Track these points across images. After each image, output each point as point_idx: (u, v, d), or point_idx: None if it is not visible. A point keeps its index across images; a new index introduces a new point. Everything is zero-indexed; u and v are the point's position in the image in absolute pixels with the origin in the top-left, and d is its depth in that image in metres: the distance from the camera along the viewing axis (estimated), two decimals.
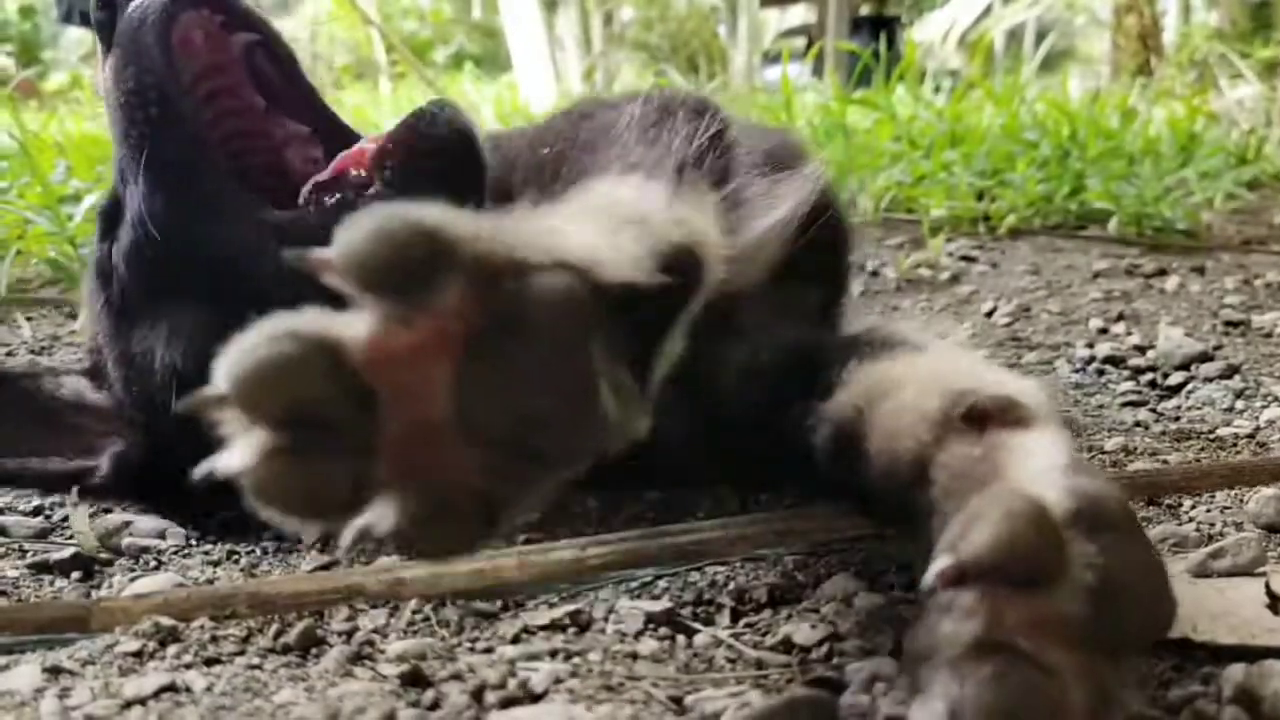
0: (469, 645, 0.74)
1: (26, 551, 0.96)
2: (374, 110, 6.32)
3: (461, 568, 0.81)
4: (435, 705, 0.64)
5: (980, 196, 3.02)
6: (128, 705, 0.65)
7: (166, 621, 0.75)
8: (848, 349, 0.85)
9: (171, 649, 0.73)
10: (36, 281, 2.12)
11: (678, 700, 0.65)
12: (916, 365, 0.77)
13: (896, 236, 2.66)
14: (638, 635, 0.75)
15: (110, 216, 1.00)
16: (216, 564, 0.92)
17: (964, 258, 2.45)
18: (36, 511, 1.08)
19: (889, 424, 0.71)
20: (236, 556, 0.93)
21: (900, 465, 0.67)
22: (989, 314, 1.97)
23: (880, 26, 8.91)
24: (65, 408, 1.10)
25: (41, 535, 1.01)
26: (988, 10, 6.75)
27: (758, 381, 0.93)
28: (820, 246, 0.96)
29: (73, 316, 1.97)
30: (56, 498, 1.10)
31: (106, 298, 0.99)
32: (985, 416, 0.64)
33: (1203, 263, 2.39)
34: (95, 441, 1.06)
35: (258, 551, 0.94)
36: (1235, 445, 1.17)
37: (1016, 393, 0.65)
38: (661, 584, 0.82)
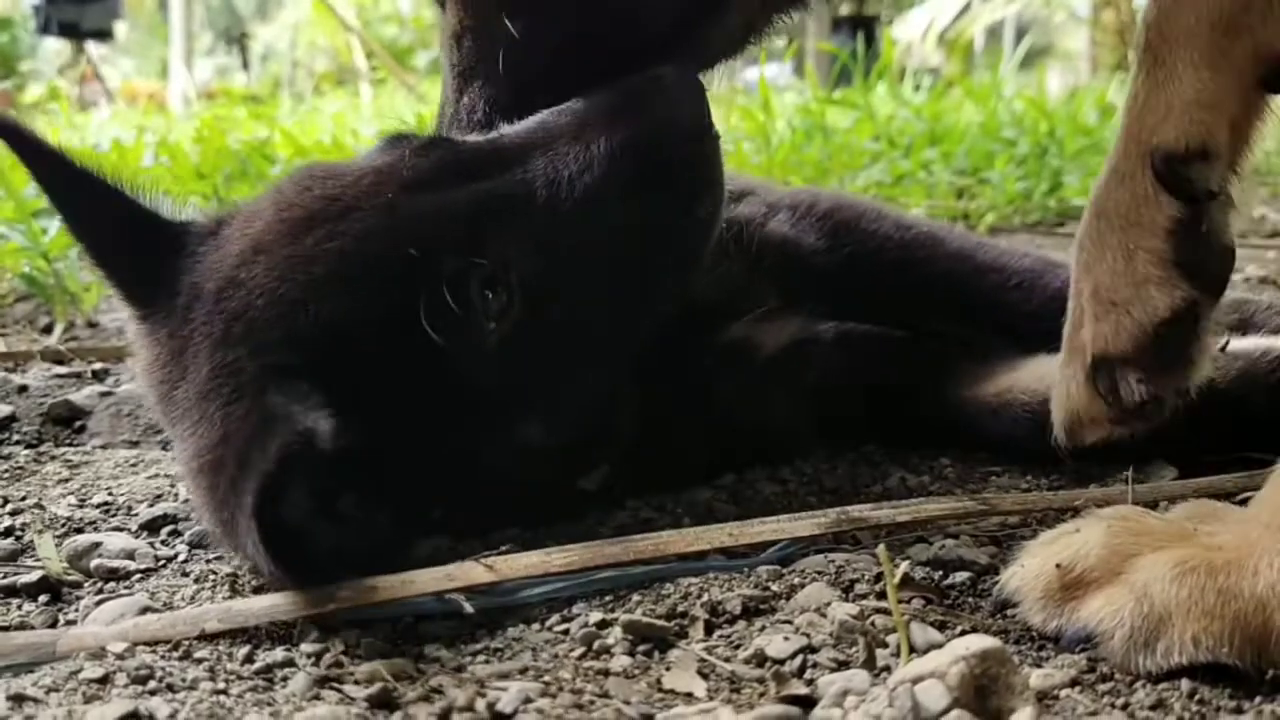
0: (439, 663, 0.73)
1: None
2: (354, 116, 6.31)
3: (431, 573, 0.81)
4: None
5: (960, 195, 3.03)
6: None
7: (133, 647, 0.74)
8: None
9: (137, 674, 0.71)
10: (10, 297, 2.10)
11: (649, 718, 0.65)
12: None
13: None
14: (610, 650, 0.74)
15: None
16: (186, 584, 0.91)
17: None
18: (7, 533, 1.06)
19: None
20: (207, 576, 0.92)
21: None
22: None
23: (860, 25, 8.94)
24: None
25: (11, 557, 1.00)
26: (966, 7, 6.78)
27: None
28: None
29: (46, 331, 1.96)
30: (27, 519, 1.09)
31: None
32: None
33: None
34: None
35: (228, 570, 0.93)
36: None
37: None
38: (635, 597, 0.81)
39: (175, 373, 0.88)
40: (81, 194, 0.94)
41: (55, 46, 12.37)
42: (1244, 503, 0.97)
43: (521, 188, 0.87)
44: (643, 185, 0.88)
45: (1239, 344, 1.03)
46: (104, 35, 11.62)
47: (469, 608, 0.77)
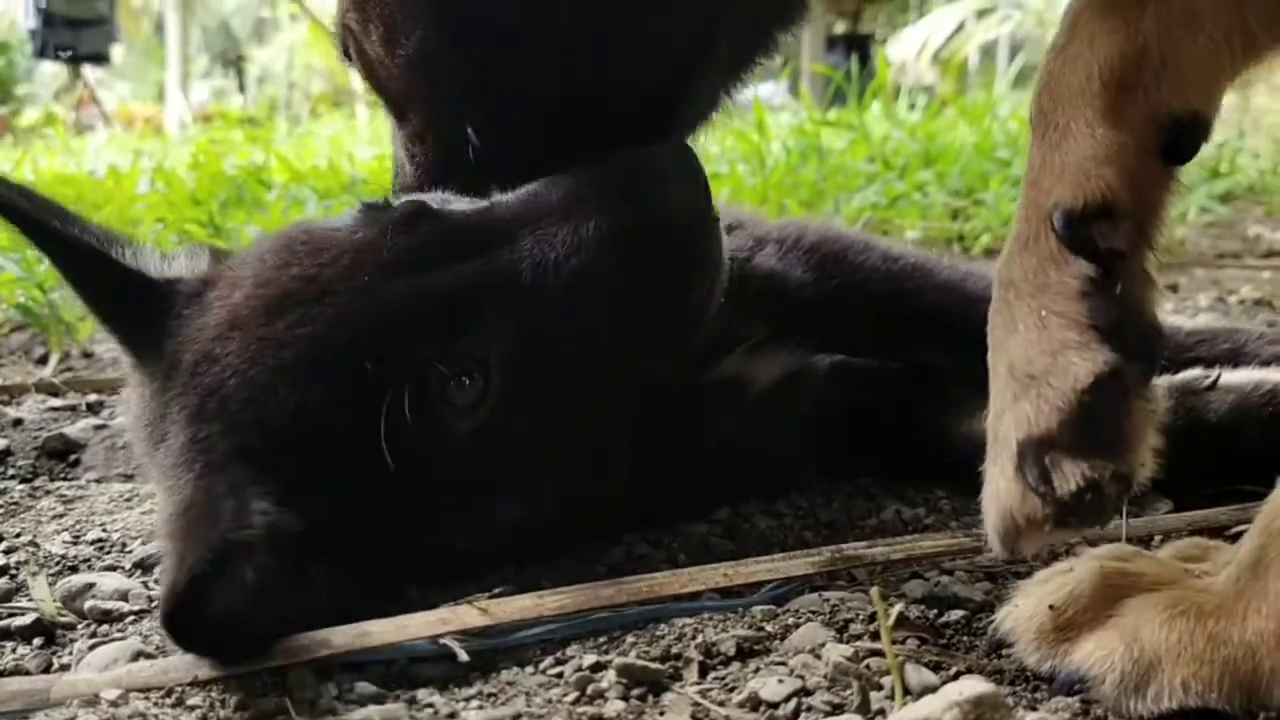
0: (432, 709, 0.73)
1: None
2: (350, 139, 6.33)
3: (425, 617, 0.81)
4: None
5: (954, 216, 3.04)
6: None
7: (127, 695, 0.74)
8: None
9: None
10: (5, 327, 2.10)
11: None
12: None
13: None
14: (604, 695, 0.74)
15: None
16: None
17: None
18: (2, 571, 1.06)
19: None
20: None
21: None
22: None
23: (854, 44, 9.00)
24: None
25: (6, 597, 1.00)
26: (961, 27, 6.83)
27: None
28: None
29: (42, 362, 1.96)
30: (21, 556, 1.08)
31: None
32: None
33: (1176, 280, 2.40)
34: None
35: None
36: None
37: None
38: (629, 638, 0.81)
39: (157, 434, 0.89)
40: (69, 248, 0.94)
41: (52, 70, 12.43)
42: (1237, 537, 0.97)
43: (506, 270, 0.85)
44: (633, 271, 0.86)
45: (1231, 377, 1.03)
46: (101, 59, 11.66)
47: (464, 654, 0.77)
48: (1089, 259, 0.73)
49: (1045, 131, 0.77)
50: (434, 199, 0.93)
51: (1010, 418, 0.73)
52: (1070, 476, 0.69)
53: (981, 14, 6.61)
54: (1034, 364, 0.72)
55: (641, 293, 0.87)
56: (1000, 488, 0.73)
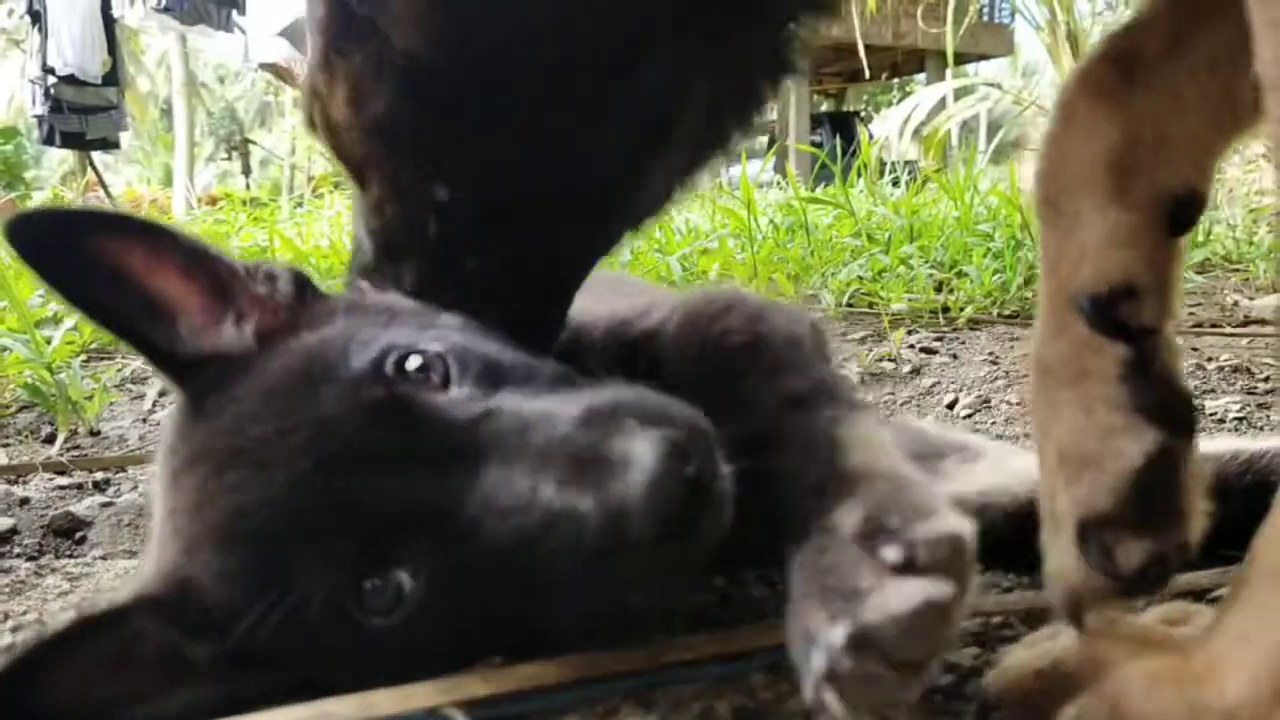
0: None
1: None
2: (351, 218, 6.42)
3: (428, 687, 0.83)
4: None
5: (939, 288, 3.10)
6: None
7: None
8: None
9: None
10: (13, 406, 2.13)
11: None
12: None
13: (858, 330, 2.73)
14: None
15: None
16: None
17: (925, 350, 2.51)
18: (8, 650, 1.07)
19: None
20: None
21: None
22: (950, 405, 2.01)
23: (838, 123, 9.21)
24: None
25: None
26: (942, 105, 7.01)
27: None
28: None
29: (49, 441, 1.98)
30: (28, 635, 1.10)
31: None
32: None
33: None
34: None
35: None
36: None
37: None
38: (628, 707, 0.83)
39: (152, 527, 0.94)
40: (108, 324, 0.94)
41: (59, 154, 12.61)
42: (1218, 600, 1.00)
43: (454, 497, 0.80)
44: (576, 557, 0.76)
45: (1208, 446, 1.06)
46: (109, 145, 11.82)
47: None
48: (1123, 341, 0.75)
49: (1054, 219, 0.78)
50: (456, 350, 0.88)
51: (1067, 500, 0.75)
52: (1135, 554, 0.72)
53: (961, 93, 6.80)
54: (1084, 448, 0.74)
55: (590, 564, 0.76)
56: (1064, 565, 0.76)
